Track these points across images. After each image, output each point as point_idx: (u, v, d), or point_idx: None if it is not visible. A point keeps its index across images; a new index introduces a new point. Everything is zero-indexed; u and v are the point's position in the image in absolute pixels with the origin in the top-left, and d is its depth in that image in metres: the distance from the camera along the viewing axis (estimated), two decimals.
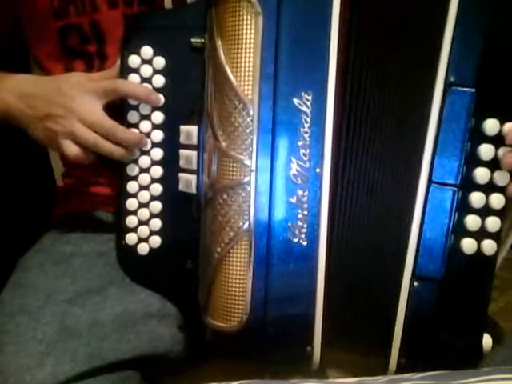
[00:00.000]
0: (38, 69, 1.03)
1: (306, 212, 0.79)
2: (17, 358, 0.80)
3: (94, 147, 0.85)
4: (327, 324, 0.82)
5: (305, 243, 0.79)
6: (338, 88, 0.80)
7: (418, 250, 0.81)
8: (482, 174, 0.80)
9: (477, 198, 0.80)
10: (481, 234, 0.80)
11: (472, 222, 0.80)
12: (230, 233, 0.80)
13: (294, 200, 0.79)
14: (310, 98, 0.78)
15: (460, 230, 0.81)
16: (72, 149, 0.85)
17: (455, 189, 0.80)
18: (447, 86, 0.79)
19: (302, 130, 0.78)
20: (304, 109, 0.78)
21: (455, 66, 0.79)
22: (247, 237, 0.79)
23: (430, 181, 0.81)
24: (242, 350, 0.84)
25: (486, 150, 0.79)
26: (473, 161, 0.80)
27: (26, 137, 0.89)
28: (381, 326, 0.84)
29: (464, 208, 0.80)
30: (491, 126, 0.79)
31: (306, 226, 0.79)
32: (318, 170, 0.79)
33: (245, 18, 0.77)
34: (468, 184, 0.80)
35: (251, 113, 0.78)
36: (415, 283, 0.82)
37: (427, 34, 0.81)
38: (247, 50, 0.77)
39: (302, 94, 0.78)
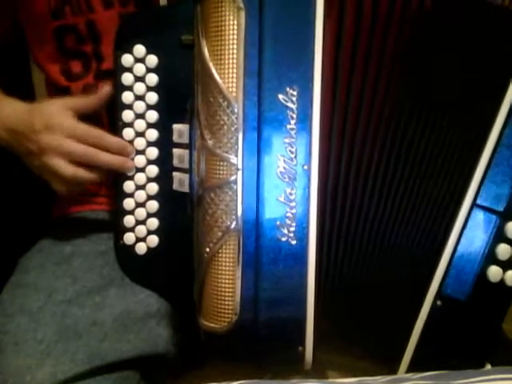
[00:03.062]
0: (38, 69, 1.03)
1: (294, 210, 0.77)
2: (17, 359, 0.81)
3: (89, 161, 0.85)
4: (319, 324, 0.80)
5: (294, 242, 0.77)
6: (327, 83, 0.78)
7: (447, 269, 0.80)
8: None
9: None
10: (507, 265, 0.79)
11: (503, 251, 0.79)
12: (218, 232, 0.79)
13: (281, 198, 0.77)
14: (295, 93, 0.76)
15: (490, 257, 0.79)
16: (59, 187, 0.88)
17: (498, 215, 0.79)
18: None
19: (288, 126, 0.76)
20: (290, 105, 0.76)
21: None
22: (235, 236, 0.78)
23: (474, 202, 0.79)
24: (233, 351, 0.83)
25: None
26: None
27: None
28: (383, 335, 0.83)
29: (499, 236, 0.79)
30: None
31: (294, 224, 0.77)
32: (305, 167, 0.77)
33: (227, 13, 0.76)
34: (508, 213, 0.79)
35: (236, 110, 0.76)
36: (438, 301, 0.80)
37: (495, 51, 0.80)
38: (231, 47, 0.76)
39: (287, 89, 0.76)
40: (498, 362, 0.79)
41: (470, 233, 0.79)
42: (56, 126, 0.84)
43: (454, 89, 0.81)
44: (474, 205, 0.79)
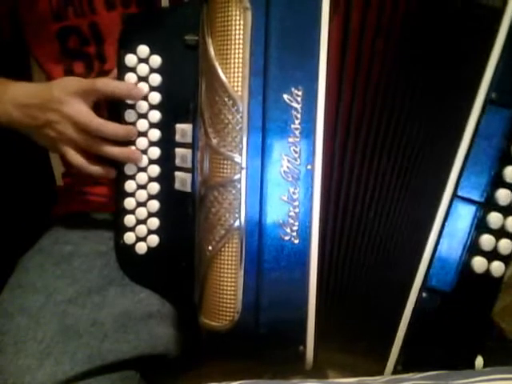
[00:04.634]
0: (38, 69, 1.04)
1: (297, 210, 0.78)
2: (17, 359, 0.80)
3: (95, 151, 0.86)
4: (320, 323, 0.80)
5: (296, 241, 0.78)
6: (332, 83, 0.79)
7: (431, 261, 0.80)
8: (503, 196, 0.79)
9: (495, 219, 0.79)
10: (492, 255, 0.79)
11: (486, 241, 0.79)
12: (221, 231, 0.79)
13: (285, 197, 0.78)
14: (300, 93, 0.77)
15: (474, 248, 0.79)
16: (74, 157, 0.86)
17: (478, 206, 0.79)
18: (487, 102, 0.78)
19: (292, 126, 0.77)
20: (294, 105, 0.77)
21: (498, 83, 0.78)
22: (238, 235, 0.78)
23: (454, 194, 0.79)
24: (234, 349, 0.83)
25: (511, 173, 0.78)
26: (497, 181, 0.79)
27: (26, 137, 0.90)
28: (380, 330, 0.83)
29: (481, 226, 0.79)
30: None
31: (297, 223, 0.78)
32: (309, 167, 0.77)
33: (234, 13, 0.76)
34: (489, 203, 0.79)
35: (241, 109, 0.77)
36: (424, 293, 0.80)
37: (474, 47, 0.80)
38: (236, 46, 0.77)
39: (293, 89, 0.77)
40: (498, 361, 0.79)
41: (452, 224, 0.79)
42: (77, 93, 0.84)
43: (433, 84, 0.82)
44: (454, 196, 0.79)
